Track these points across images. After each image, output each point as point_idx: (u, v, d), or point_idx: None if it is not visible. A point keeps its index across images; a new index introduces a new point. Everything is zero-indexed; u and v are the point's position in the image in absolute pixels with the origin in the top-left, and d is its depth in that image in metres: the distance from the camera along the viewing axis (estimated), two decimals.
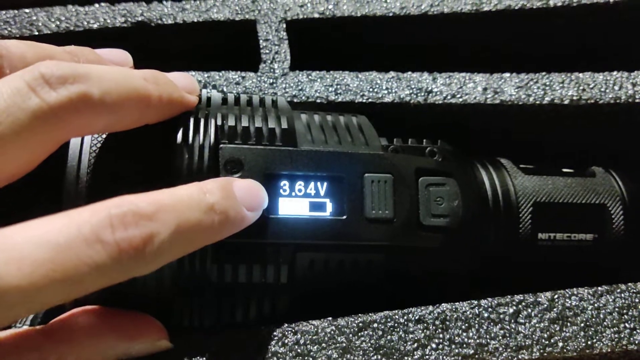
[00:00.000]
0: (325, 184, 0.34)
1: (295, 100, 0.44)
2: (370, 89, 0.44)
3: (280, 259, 0.33)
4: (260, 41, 0.47)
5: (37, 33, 0.47)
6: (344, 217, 0.34)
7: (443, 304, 0.34)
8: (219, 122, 0.34)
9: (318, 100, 0.44)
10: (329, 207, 0.34)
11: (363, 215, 0.34)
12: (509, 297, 0.34)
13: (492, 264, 0.38)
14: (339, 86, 0.44)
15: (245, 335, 0.33)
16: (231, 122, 0.34)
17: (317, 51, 0.49)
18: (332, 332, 0.33)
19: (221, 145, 0.33)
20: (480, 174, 0.39)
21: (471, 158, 0.41)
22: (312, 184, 0.34)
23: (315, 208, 0.34)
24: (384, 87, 0.44)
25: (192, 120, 0.34)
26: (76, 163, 0.32)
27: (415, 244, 0.35)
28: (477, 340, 0.33)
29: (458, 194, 0.36)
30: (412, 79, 0.44)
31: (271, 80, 0.45)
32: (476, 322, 0.33)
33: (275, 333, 0.33)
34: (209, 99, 0.36)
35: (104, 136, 0.33)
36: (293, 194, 0.34)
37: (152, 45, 0.48)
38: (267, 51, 0.47)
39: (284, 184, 0.34)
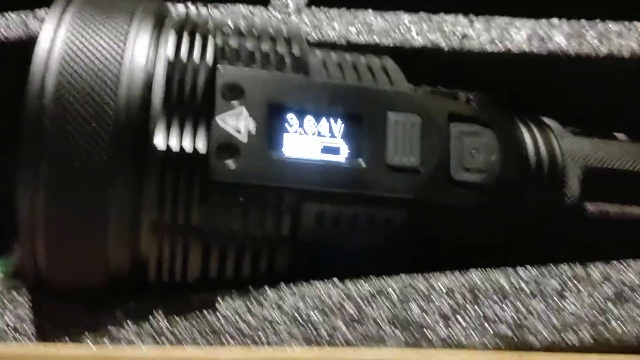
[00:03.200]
0: (340, 122, 0.29)
1: (310, 40, 0.38)
2: (397, 31, 0.38)
3: (283, 206, 0.28)
4: None
5: None
6: (361, 162, 0.28)
7: (473, 272, 0.29)
8: (220, 43, 0.29)
9: (337, 41, 0.38)
10: (344, 149, 0.29)
11: (384, 162, 0.29)
12: (554, 267, 0.28)
13: (530, 233, 0.32)
14: (361, 26, 0.38)
15: (235, 295, 0.28)
16: (234, 43, 0.29)
17: None
18: (340, 297, 0.28)
19: (219, 67, 0.28)
20: (522, 131, 0.34)
21: (510, 113, 0.35)
22: (324, 121, 0.29)
23: (327, 150, 0.29)
24: (413, 30, 0.38)
25: (187, 37, 0.28)
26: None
27: (444, 200, 0.30)
28: (515, 317, 0.27)
29: (496, 148, 0.31)
30: (446, 22, 0.38)
31: (284, 17, 0.40)
32: (513, 294, 0.28)
33: (270, 294, 0.28)
34: (210, 17, 0.31)
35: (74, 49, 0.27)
36: (302, 131, 0.28)
37: None
38: None
39: (291, 118, 0.28)
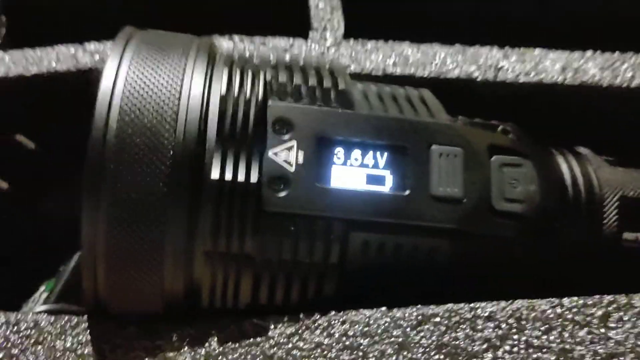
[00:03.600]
0: (385, 154, 0.30)
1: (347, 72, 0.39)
2: (433, 63, 0.39)
3: (332, 235, 0.28)
4: (311, 8, 0.43)
5: None
6: (406, 192, 0.29)
7: (518, 301, 0.29)
8: (268, 78, 0.30)
9: (373, 73, 0.39)
10: (389, 180, 0.30)
11: (428, 192, 0.29)
12: (597, 297, 0.29)
13: (571, 262, 0.33)
14: (398, 58, 0.40)
15: (286, 321, 0.29)
16: (282, 78, 0.30)
17: (372, 18, 0.45)
18: (387, 324, 0.29)
19: (270, 103, 0.29)
20: (558, 161, 0.35)
21: (546, 144, 0.36)
22: (370, 154, 0.30)
23: (373, 181, 0.29)
24: (448, 62, 0.39)
25: (238, 73, 0.30)
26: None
27: (486, 230, 0.30)
28: (560, 345, 0.28)
29: (535, 178, 0.31)
30: (481, 54, 0.40)
31: (322, 50, 0.41)
32: (558, 323, 0.28)
33: (319, 321, 0.29)
34: (257, 52, 0.32)
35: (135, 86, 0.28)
36: (348, 163, 0.29)
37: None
38: (319, 19, 0.42)
39: (338, 151, 0.29)
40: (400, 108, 0.31)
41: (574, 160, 0.35)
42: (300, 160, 0.28)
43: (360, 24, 0.43)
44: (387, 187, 0.29)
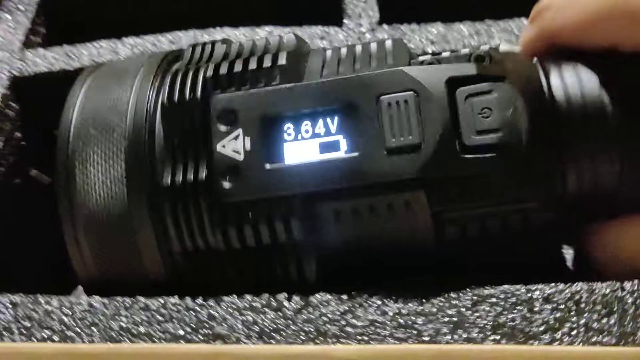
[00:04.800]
0: (336, 118, 0.28)
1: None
2: (474, 38, 0.39)
3: (289, 213, 0.28)
4: None
5: None
6: (359, 152, 0.28)
7: (577, 283, 0.28)
8: (210, 73, 0.30)
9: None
10: (343, 144, 0.28)
11: (382, 147, 0.27)
12: None
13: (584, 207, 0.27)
14: (435, 38, 0.39)
15: (339, 299, 0.29)
16: (223, 70, 0.30)
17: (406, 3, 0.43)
18: (442, 303, 0.28)
19: (211, 97, 0.29)
20: (558, 78, 0.29)
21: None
22: (320, 122, 0.29)
23: (327, 148, 0.28)
24: (486, 36, 0.38)
25: (179, 77, 0.30)
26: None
27: (457, 172, 0.27)
28: (621, 329, 0.27)
29: (513, 100, 0.27)
30: (512, 26, 0.39)
31: (357, 36, 0.41)
32: (619, 307, 0.27)
33: (373, 299, 0.29)
34: (202, 52, 0.32)
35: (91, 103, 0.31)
36: (300, 136, 0.29)
37: None
38: (353, 6, 0.42)
39: (288, 127, 0.29)
40: (355, 65, 0.30)
41: (570, 72, 0.29)
42: (248, 146, 0.29)
43: (394, 9, 0.42)
44: (342, 152, 0.28)
